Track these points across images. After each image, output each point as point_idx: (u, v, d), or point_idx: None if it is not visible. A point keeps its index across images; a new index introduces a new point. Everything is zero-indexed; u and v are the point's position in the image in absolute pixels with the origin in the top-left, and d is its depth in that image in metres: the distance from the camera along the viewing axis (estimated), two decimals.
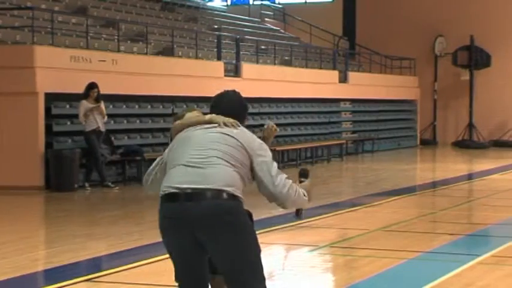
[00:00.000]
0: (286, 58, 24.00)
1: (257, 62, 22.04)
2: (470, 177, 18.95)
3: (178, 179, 4.27)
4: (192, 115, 4.71)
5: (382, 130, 27.35)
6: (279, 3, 33.01)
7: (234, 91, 4.81)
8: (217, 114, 4.54)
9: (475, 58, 29.58)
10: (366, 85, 26.11)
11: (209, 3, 30.28)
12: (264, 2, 32.55)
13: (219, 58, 20.16)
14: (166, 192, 4.27)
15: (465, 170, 21.05)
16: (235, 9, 30.50)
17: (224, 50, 20.97)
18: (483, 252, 8.74)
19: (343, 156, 23.46)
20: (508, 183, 16.62)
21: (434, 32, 30.33)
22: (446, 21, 30.12)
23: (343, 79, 25.30)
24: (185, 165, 4.30)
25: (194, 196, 4.19)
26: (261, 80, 20.66)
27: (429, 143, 30.18)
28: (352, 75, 25.86)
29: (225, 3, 32.38)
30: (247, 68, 20.62)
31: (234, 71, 20.30)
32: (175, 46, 19.35)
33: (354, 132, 26.08)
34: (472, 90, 29.79)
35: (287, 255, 9.25)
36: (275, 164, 4.48)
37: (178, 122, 4.74)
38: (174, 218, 4.24)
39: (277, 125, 20.08)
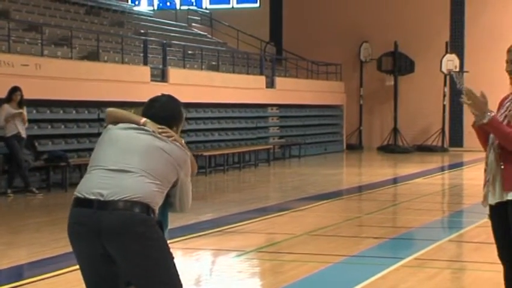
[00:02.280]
0: (214, 63, 23.97)
1: (184, 67, 21.95)
2: (395, 181, 19.24)
3: (95, 184, 4.10)
4: (128, 113, 4.50)
5: (309, 135, 27.56)
6: (206, 8, 32.98)
7: (169, 96, 4.59)
8: (149, 118, 4.35)
9: (399, 64, 30.09)
10: (292, 90, 26.29)
11: (135, 8, 30.05)
12: (191, 7, 32.46)
13: (145, 63, 20.01)
14: (80, 196, 4.10)
15: (390, 174, 21.37)
16: (162, 13, 30.35)
17: (151, 55, 20.83)
18: (407, 255, 8.88)
19: (271, 162, 23.54)
20: (431, 187, 16.95)
21: (359, 38, 30.74)
22: (371, 28, 30.57)
23: (270, 84, 25.40)
24: (105, 169, 4.13)
25: (108, 205, 4.02)
26: (188, 85, 20.57)
27: (355, 147, 30.55)
28: (279, 81, 25.99)
29: (151, 8, 32.20)
30: (174, 73, 20.53)
31: (161, 76, 20.18)
32: (100, 51, 19.11)
33: (281, 137, 26.21)
34: (397, 96, 30.29)
35: (214, 260, 9.20)
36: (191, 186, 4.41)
37: (115, 109, 4.50)
38: (84, 225, 4.06)
39: (204, 130, 20.12)
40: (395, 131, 30.03)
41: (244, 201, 14.39)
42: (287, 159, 25.56)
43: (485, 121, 4.73)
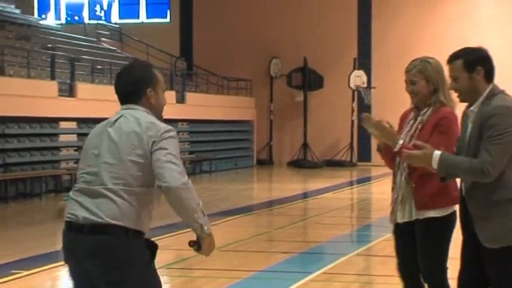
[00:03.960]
0: None
1: (93, 82, 21.65)
2: (304, 196, 19.39)
3: (75, 204, 3.97)
4: None
5: (219, 150, 27.54)
6: (115, 23, 32.65)
7: (134, 60, 4.39)
8: (118, 94, 4.15)
9: (308, 80, 30.41)
10: (203, 106, 26.25)
11: (42, 22, 29.50)
12: (100, 22, 32.08)
13: (52, 78, 19.63)
14: (66, 219, 3.99)
15: (300, 189, 21.52)
16: (70, 28, 29.86)
17: (58, 70, 20.45)
18: (316, 269, 8.92)
19: None
20: (340, 202, 17.15)
21: (269, 53, 30.97)
22: (281, 44, 30.84)
23: (181, 100, 25.30)
24: (80, 187, 4.00)
25: (83, 228, 3.88)
26: (97, 100, 20.25)
27: (265, 162, 30.67)
28: (189, 96, 25.92)
29: (59, 22, 31.66)
30: (82, 88, 20.22)
31: (69, 91, 19.83)
32: (6, 65, 18.68)
33: (191, 152, 26.11)
34: (306, 111, 30.58)
35: None
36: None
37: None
38: (68, 249, 4.00)
39: None
40: (305, 146, 30.31)
41: (153, 217, 14.20)
42: (198, 174, 25.46)
43: (395, 150, 4.75)
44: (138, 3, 32.92)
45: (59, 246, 11.89)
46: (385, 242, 10.61)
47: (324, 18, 30.75)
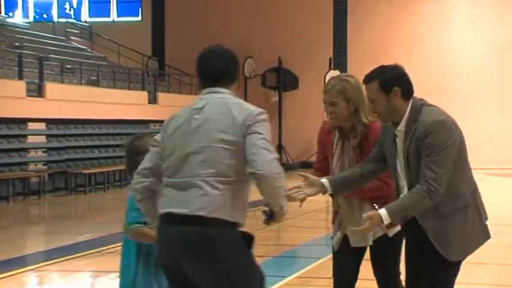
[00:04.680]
0: (94, 78, 23.34)
1: (62, 82, 21.29)
2: None
3: (168, 198, 3.81)
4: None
5: None
6: (85, 22, 32.17)
7: (217, 45, 4.14)
8: (204, 82, 3.94)
9: (283, 80, 30.20)
10: (176, 106, 25.66)
11: (9, 20, 28.96)
12: (69, 20, 31.59)
13: (20, 77, 19.23)
14: (162, 212, 3.86)
15: None
16: (38, 26, 29.34)
17: (26, 69, 20.05)
18: (290, 273, 8.76)
19: None
20: (314, 204, 16.81)
21: (243, 53, 30.62)
22: (255, 43, 30.59)
23: (153, 100, 24.96)
24: (169, 180, 3.80)
25: (177, 221, 3.73)
26: (66, 100, 19.94)
27: None
28: (161, 96, 25.58)
29: (27, 20, 31.09)
30: (51, 88, 19.84)
31: (37, 91, 19.46)
32: None
33: None
34: (281, 112, 30.37)
35: (93, 282, 8.95)
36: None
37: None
38: (164, 245, 3.80)
39: (84, 147, 19.25)
40: (280, 147, 30.06)
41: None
42: None
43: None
44: (109, 2, 32.49)
45: (27, 250, 11.57)
46: None
47: (299, 18, 30.53)
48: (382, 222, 4.24)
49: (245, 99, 27.34)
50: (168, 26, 31.77)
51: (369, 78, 4.41)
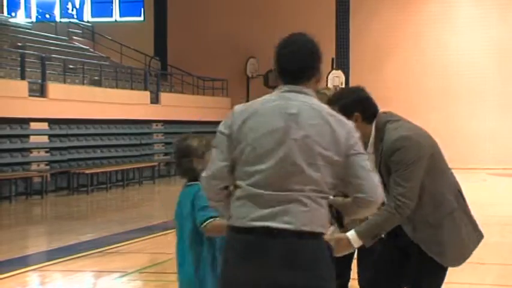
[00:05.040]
0: (96, 78, 23.32)
1: (65, 82, 21.25)
2: None
3: (253, 209, 3.49)
4: None
5: None
6: (87, 22, 32.15)
7: (299, 33, 3.76)
8: (287, 78, 3.57)
9: None
10: (178, 106, 25.87)
11: (12, 20, 28.96)
12: (71, 20, 31.57)
13: (22, 77, 19.20)
14: (248, 225, 3.49)
15: None
16: (40, 26, 29.33)
17: (29, 69, 20.03)
18: None
19: (155, 179, 23.06)
20: None
21: (246, 53, 30.66)
22: (258, 43, 30.52)
23: (155, 100, 24.93)
24: (256, 191, 3.49)
25: (275, 235, 3.44)
26: (68, 100, 19.91)
27: None
28: (164, 96, 25.54)
29: (29, 20, 31.09)
30: (53, 88, 19.81)
31: (40, 91, 19.42)
32: None
33: (166, 154, 25.70)
34: None
35: (96, 282, 8.87)
36: None
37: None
38: (253, 257, 3.49)
39: (87, 147, 19.17)
40: None
41: (127, 221, 13.93)
42: (172, 176, 25.06)
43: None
44: (111, 1, 32.46)
45: (28, 250, 11.55)
46: None
47: (302, 18, 30.46)
48: (352, 246, 4.17)
49: (247, 99, 27.47)
50: (171, 26, 31.72)
51: (330, 102, 4.31)
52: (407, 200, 4.17)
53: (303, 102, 3.49)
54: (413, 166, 4.18)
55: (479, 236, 4.47)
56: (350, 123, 3.52)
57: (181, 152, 4.41)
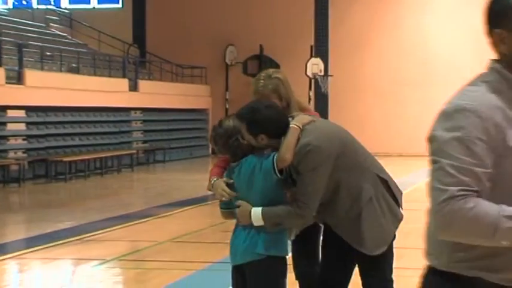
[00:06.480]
0: (74, 65, 23.14)
1: (42, 69, 21.07)
2: None
3: None
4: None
5: (173, 139, 27.08)
6: (65, 8, 31.86)
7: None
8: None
9: (264, 67, 29.91)
10: (156, 94, 25.75)
11: None
12: (49, 7, 31.28)
13: None
14: None
15: None
16: (17, 13, 29.06)
17: (5, 56, 19.83)
18: None
19: (134, 167, 22.96)
20: None
21: (225, 41, 30.55)
22: (237, 31, 30.45)
23: (134, 87, 24.79)
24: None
25: None
26: (46, 88, 19.75)
27: None
28: (142, 84, 25.41)
29: (6, 7, 30.77)
30: (30, 75, 19.63)
31: (17, 78, 19.25)
32: None
33: (144, 142, 25.61)
34: None
35: (74, 270, 8.82)
36: None
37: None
38: None
39: (64, 135, 19.05)
40: None
41: (105, 208, 13.86)
42: (151, 164, 25.01)
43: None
44: None
45: (7, 238, 11.44)
46: None
47: (280, 5, 30.42)
48: (250, 221, 4.22)
49: (226, 87, 27.30)
50: (149, 13, 31.54)
51: (238, 116, 4.32)
52: (306, 202, 4.20)
53: None
54: (313, 172, 4.17)
55: (397, 221, 4.45)
56: None
57: (226, 135, 4.36)
